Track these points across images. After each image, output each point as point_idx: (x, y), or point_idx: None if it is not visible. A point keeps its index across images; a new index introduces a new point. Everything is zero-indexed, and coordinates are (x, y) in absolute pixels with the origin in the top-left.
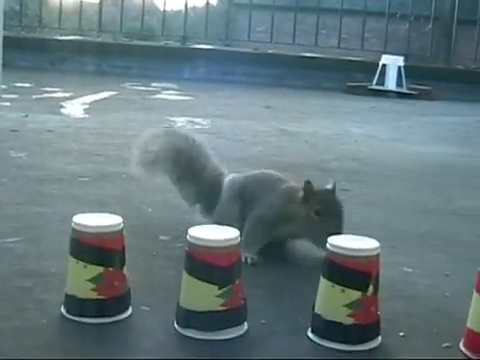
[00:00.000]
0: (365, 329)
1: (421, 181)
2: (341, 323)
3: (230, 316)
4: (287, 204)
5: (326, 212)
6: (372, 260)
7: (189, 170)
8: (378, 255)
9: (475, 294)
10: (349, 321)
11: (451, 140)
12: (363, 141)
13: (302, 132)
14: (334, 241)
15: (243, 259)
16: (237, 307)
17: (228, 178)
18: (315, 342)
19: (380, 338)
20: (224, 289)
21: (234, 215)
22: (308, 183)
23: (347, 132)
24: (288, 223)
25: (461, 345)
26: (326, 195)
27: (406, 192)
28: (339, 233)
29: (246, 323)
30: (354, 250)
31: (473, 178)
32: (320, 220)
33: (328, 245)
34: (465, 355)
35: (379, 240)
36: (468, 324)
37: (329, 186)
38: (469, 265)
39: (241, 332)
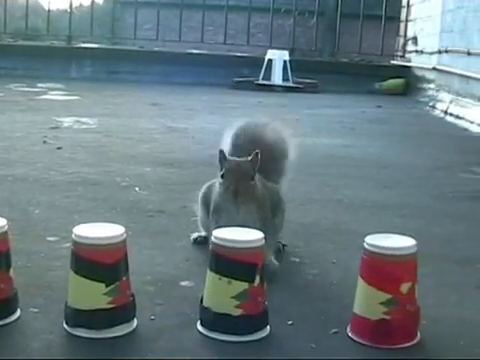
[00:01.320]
0: (253, 319)
1: (308, 172)
2: (229, 315)
3: (118, 313)
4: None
5: (227, 173)
6: (257, 251)
7: None
8: (263, 246)
9: (359, 280)
10: (237, 312)
11: (337, 131)
12: None
13: (189, 128)
14: (219, 234)
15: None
16: (125, 304)
17: None
18: (205, 335)
19: (269, 328)
20: (111, 287)
21: (205, 222)
22: (220, 152)
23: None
24: (221, 207)
25: (348, 330)
26: (234, 161)
27: (293, 183)
28: (237, 194)
29: (135, 320)
30: (239, 242)
31: (358, 168)
32: (224, 182)
33: (213, 238)
34: (352, 339)
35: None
36: (354, 309)
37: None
38: (354, 252)
39: (130, 329)
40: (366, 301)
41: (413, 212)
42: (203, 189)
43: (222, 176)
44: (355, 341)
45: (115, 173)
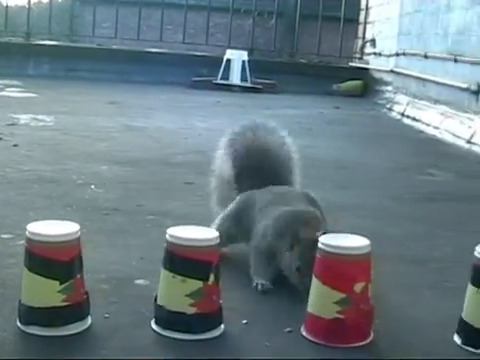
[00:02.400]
0: (208, 318)
1: None
2: (184, 313)
3: (73, 311)
4: (276, 239)
5: (305, 269)
6: (212, 250)
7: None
8: (218, 245)
9: (314, 279)
10: (191, 311)
11: (295, 132)
12: (207, 135)
13: (147, 127)
14: (173, 232)
15: (254, 284)
16: (79, 302)
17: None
18: (159, 333)
19: (223, 326)
20: (65, 284)
21: (230, 234)
22: (296, 234)
23: (192, 126)
24: (278, 257)
25: (302, 329)
26: (310, 248)
27: None
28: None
29: (89, 318)
30: (194, 240)
31: (316, 169)
32: (298, 275)
33: (167, 236)
34: (306, 338)
35: None
36: (308, 308)
37: (319, 233)
38: None
39: (84, 327)
40: (320, 300)
41: (371, 213)
42: (241, 203)
43: (297, 269)
44: (309, 340)
45: (71, 171)
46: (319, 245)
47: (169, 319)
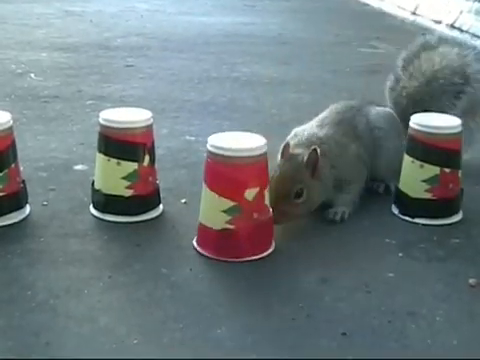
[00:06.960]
0: (145, 199)
1: (205, 51)
2: (121, 196)
3: (9, 201)
4: None
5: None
6: (145, 131)
7: None
8: (151, 126)
9: (203, 185)
10: (128, 193)
11: (237, 9)
12: (148, 16)
13: (87, 11)
14: (106, 115)
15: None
16: (16, 191)
17: None
18: (97, 217)
19: (162, 206)
20: (0, 174)
21: None
22: (285, 146)
23: (133, 8)
24: None
25: (194, 241)
26: (277, 172)
27: (190, 63)
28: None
29: (28, 206)
30: (126, 122)
31: (255, 45)
32: None
33: (100, 120)
34: (197, 251)
35: (162, 111)
36: (199, 218)
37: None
38: (250, 128)
39: (24, 215)
40: (209, 209)
41: (310, 87)
42: None
43: None
44: (201, 254)
45: (10, 60)
46: (207, 147)
47: (107, 203)
